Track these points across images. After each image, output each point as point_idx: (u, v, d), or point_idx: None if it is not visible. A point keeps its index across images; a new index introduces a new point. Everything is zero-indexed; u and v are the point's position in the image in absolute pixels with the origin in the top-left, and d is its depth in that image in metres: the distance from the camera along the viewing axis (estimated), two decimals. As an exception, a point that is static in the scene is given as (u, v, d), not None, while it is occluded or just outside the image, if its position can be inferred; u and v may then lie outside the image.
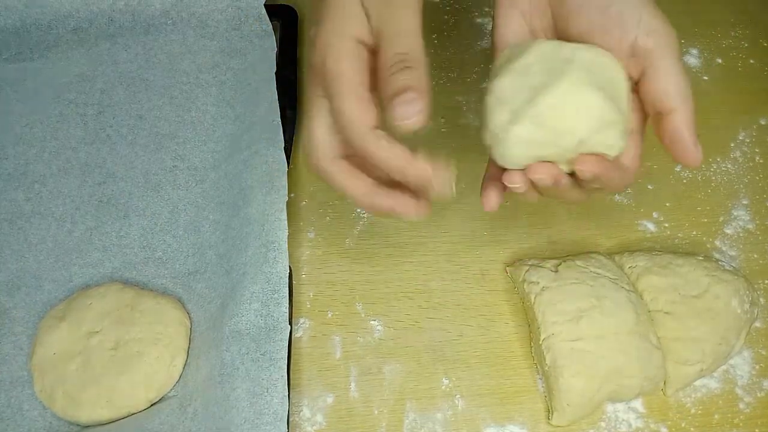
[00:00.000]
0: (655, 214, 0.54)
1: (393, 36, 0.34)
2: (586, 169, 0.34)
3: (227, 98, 0.56)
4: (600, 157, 0.35)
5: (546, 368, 0.44)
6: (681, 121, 0.35)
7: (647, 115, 0.37)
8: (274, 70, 0.55)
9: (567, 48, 0.35)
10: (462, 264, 0.51)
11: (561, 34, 0.38)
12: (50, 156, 0.53)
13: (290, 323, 0.43)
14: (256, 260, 0.45)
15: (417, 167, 0.34)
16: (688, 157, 0.36)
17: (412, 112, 0.32)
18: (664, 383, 0.45)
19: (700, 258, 0.48)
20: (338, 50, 0.35)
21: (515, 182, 0.36)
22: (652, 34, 0.35)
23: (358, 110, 0.34)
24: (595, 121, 0.34)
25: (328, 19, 0.35)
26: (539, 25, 0.39)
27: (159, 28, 0.58)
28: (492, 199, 0.39)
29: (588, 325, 0.43)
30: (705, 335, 0.44)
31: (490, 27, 0.63)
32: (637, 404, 0.45)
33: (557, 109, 0.33)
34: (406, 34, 0.34)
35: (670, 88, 0.35)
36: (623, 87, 0.35)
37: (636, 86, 0.37)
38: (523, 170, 0.36)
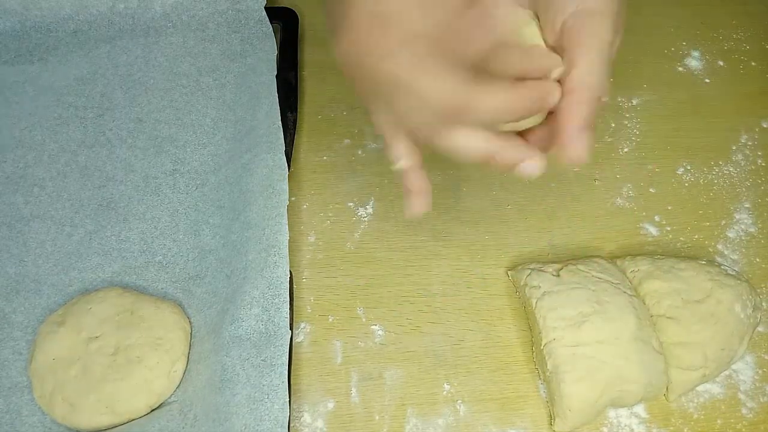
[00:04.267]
0: (657, 218, 0.54)
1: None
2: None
3: (227, 101, 0.56)
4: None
5: (548, 374, 0.43)
6: (570, 103, 0.31)
7: None
8: (275, 72, 0.55)
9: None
10: (463, 268, 0.51)
11: None
12: (49, 159, 0.52)
13: (291, 328, 0.43)
14: (256, 264, 0.45)
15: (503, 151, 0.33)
16: (567, 147, 0.31)
17: (412, 207, 0.37)
18: (667, 388, 0.45)
19: (703, 262, 0.48)
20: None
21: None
22: (590, 16, 0.32)
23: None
24: None
25: None
26: None
27: (159, 31, 0.58)
28: None
29: (590, 330, 0.43)
30: (707, 340, 0.44)
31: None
32: (640, 410, 0.45)
33: None
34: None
35: (575, 70, 0.32)
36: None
37: None
38: None
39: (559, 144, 0.32)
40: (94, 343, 0.43)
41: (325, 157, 0.56)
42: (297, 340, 0.47)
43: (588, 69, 0.32)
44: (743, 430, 0.45)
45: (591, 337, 0.43)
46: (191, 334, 0.45)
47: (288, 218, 0.46)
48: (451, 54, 0.32)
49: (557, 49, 0.34)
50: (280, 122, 0.51)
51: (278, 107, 0.52)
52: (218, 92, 0.56)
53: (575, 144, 0.31)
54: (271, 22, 0.58)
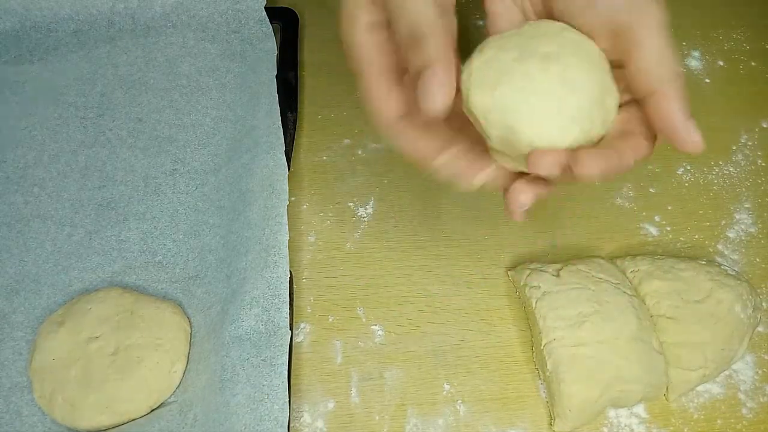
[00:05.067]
0: (657, 218, 0.54)
1: (395, 9, 0.31)
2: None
3: (227, 101, 0.56)
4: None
5: (548, 374, 0.43)
6: (664, 102, 0.31)
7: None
8: (275, 72, 0.55)
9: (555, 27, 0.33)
10: (463, 268, 0.51)
11: (548, 11, 0.36)
12: (49, 159, 0.52)
13: (291, 328, 0.43)
14: (256, 264, 0.45)
15: (443, 163, 0.32)
16: (682, 142, 0.31)
17: (432, 96, 0.29)
18: (667, 389, 0.45)
19: (703, 262, 0.48)
20: (353, 38, 0.33)
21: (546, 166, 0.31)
22: (633, 10, 0.31)
23: (379, 101, 0.32)
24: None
25: (342, 4, 0.34)
26: (529, 5, 0.37)
27: (159, 31, 0.58)
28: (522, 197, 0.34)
29: (590, 331, 0.43)
30: (708, 340, 0.44)
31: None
32: (640, 410, 0.45)
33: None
34: (408, 4, 0.31)
35: (650, 68, 0.31)
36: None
37: (623, 71, 0.33)
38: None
39: (672, 140, 0.31)
40: (94, 344, 0.43)
41: (325, 157, 0.56)
42: (297, 340, 0.47)
43: (660, 62, 0.31)
44: (743, 430, 0.45)
45: (591, 337, 0.43)
46: (191, 334, 0.45)
47: (288, 218, 0.46)
48: None
49: (612, 39, 0.33)
50: (280, 122, 0.51)
51: (278, 107, 0.52)
52: (218, 92, 0.56)
53: (688, 135, 0.31)
54: (271, 22, 0.58)
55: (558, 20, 0.34)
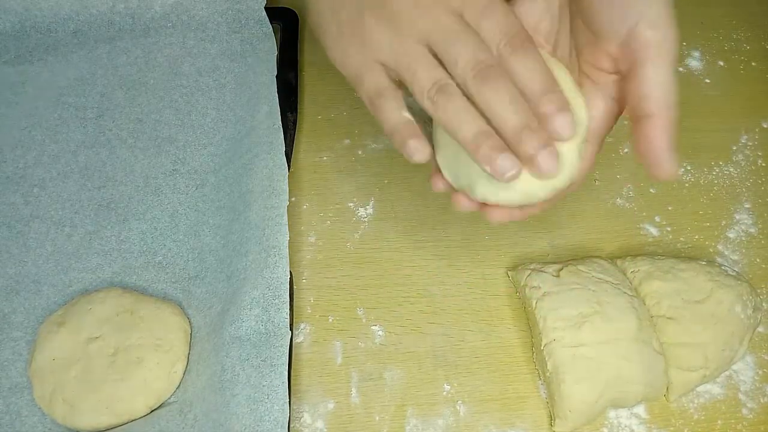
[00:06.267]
0: (657, 218, 0.54)
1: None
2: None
3: (227, 102, 0.56)
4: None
5: (548, 374, 0.43)
6: (657, 128, 0.33)
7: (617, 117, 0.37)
8: (275, 73, 0.55)
9: None
10: (463, 268, 0.51)
11: (574, 3, 0.36)
12: (49, 160, 0.52)
13: (291, 329, 0.43)
14: (256, 265, 0.45)
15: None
16: (659, 168, 0.33)
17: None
18: (667, 389, 0.45)
19: (703, 263, 0.48)
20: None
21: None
22: (654, 28, 0.32)
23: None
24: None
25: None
26: None
27: (159, 31, 0.58)
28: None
29: (590, 331, 0.43)
30: (708, 341, 0.44)
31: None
32: (640, 410, 0.45)
33: None
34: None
35: (654, 91, 0.33)
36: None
37: (621, 81, 0.35)
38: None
39: (651, 164, 0.33)
40: (94, 344, 0.43)
41: (325, 157, 0.56)
42: (297, 340, 0.47)
43: (664, 88, 0.33)
44: (743, 430, 0.45)
45: (591, 337, 0.43)
46: (191, 334, 0.45)
47: (288, 218, 0.46)
48: None
49: (619, 68, 0.35)
50: (280, 122, 0.51)
51: (278, 107, 0.52)
52: (218, 92, 0.56)
53: (667, 164, 0.33)
54: (271, 22, 0.58)
55: (582, 11, 0.35)
